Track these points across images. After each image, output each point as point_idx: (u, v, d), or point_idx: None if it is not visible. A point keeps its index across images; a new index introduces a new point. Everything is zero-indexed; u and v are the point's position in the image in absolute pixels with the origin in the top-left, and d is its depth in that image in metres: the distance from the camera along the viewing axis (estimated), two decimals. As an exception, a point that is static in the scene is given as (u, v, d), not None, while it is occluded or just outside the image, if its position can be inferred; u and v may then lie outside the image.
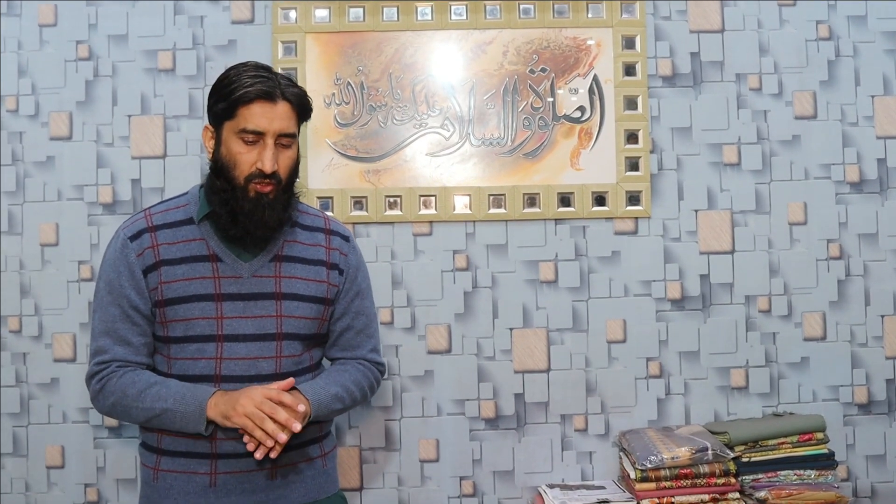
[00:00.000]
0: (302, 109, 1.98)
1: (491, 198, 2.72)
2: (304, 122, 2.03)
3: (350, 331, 2.10)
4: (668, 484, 2.43)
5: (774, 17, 2.79)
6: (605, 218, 2.75)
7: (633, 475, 2.47)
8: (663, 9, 2.78)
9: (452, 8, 2.74)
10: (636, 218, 2.75)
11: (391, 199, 2.71)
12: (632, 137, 2.74)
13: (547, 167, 2.73)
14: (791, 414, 2.66)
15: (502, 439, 2.72)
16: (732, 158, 2.77)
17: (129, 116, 2.70)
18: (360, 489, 2.70)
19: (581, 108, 2.74)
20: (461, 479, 2.71)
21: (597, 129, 2.74)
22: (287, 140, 1.93)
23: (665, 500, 2.42)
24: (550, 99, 2.74)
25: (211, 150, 1.97)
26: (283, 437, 1.80)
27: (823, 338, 2.76)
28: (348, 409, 2.07)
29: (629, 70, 2.75)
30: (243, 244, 1.96)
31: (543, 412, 2.73)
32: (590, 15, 2.75)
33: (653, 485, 2.43)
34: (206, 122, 2.00)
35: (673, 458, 2.42)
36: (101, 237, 2.66)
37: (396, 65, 2.73)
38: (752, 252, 2.76)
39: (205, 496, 1.92)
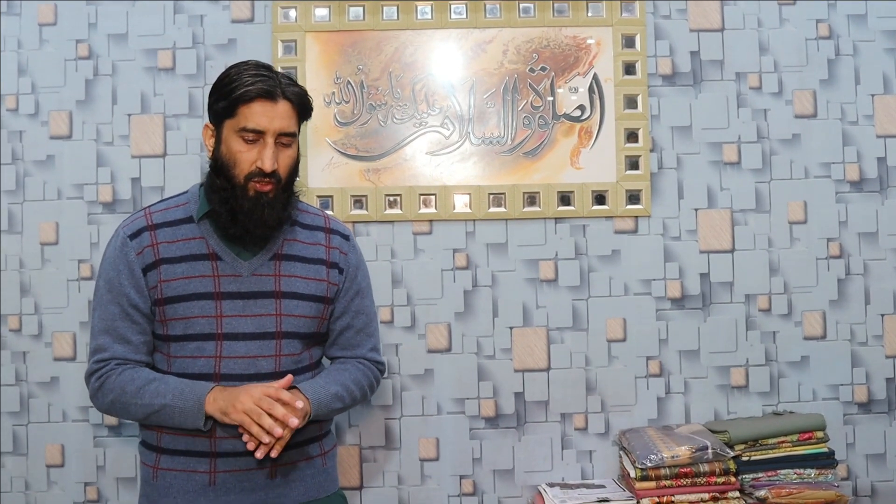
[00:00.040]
0: (302, 109, 1.98)
1: (491, 196, 2.72)
2: (305, 122, 2.03)
3: (350, 330, 2.10)
4: (668, 483, 2.43)
5: (774, 15, 2.79)
6: (605, 217, 2.75)
7: (633, 474, 2.47)
8: (663, 8, 2.78)
9: (452, 7, 2.74)
10: (636, 217, 2.75)
11: (391, 198, 2.71)
12: (632, 136, 2.74)
13: (547, 166, 2.73)
14: (791, 413, 2.66)
15: (502, 438, 2.72)
16: (732, 157, 2.77)
17: (129, 115, 2.70)
18: (360, 488, 2.70)
19: (581, 107, 2.74)
20: (461, 477, 2.71)
21: (597, 127, 2.74)
22: (287, 139, 1.93)
23: (665, 498, 2.42)
24: (550, 98, 2.74)
25: (211, 149, 1.97)
26: (279, 431, 1.79)
27: (823, 337, 2.76)
28: (348, 409, 2.07)
29: (629, 69, 2.75)
30: (243, 243, 1.95)
31: (543, 411, 2.73)
32: (590, 14, 2.75)
33: (653, 484, 2.43)
34: (207, 120, 2.00)
35: (673, 456, 2.42)
36: (101, 236, 2.66)
37: (396, 64, 2.73)
38: (752, 251, 2.76)
39: (204, 495, 1.91)
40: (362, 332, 2.12)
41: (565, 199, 2.73)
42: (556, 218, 2.74)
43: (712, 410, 2.74)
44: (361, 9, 2.72)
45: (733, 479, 2.44)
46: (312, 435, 2.02)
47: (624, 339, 2.74)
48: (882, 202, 2.78)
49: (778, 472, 2.47)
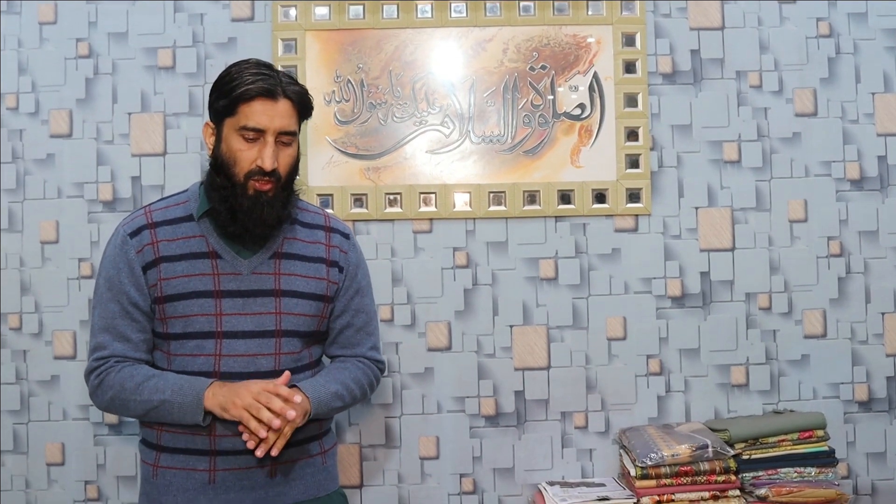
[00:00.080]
0: (303, 107, 1.98)
1: (491, 195, 2.72)
2: (305, 120, 2.03)
3: (350, 328, 2.10)
4: (668, 481, 2.43)
5: (775, 14, 2.79)
6: (606, 215, 2.75)
7: (633, 472, 2.47)
8: (663, 6, 2.78)
9: (452, 5, 2.74)
10: (636, 215, 2.75)
11: (391, 197, 2.71)
12: (632, 135, 2.74)
13: (547, 164, 2.73)
14: (791, 411, 2.66)
15: (502, 436, 2.72)
16: (733, 156, 2.77)
17: (130, 114, 2.71)
18: (361, 486, 2.70)
19: (581, 106, 2.74)
20: (461, 476, 2.71)
21: (597, 126, 2.74)
22: (287, 138, 1.93)
23: (665, 497, 2.42)
24: (550, 96, 2.74)
25: (211, 147, 1.97)
26: (277, 423, 1.79)
27: (824, 335, 2.76)
28: (348, 407, 2.07)
29: (629, 67, 2.75)
30: (242, 241, 1.95)
31: (543, 409, 2.73)
32: (590, 12, 2.75)
33: (653, 482, 2.43)
34: (207, 118, 2.00)
35: (673, 455, 2.42)
36: (101, 235, 2.66)
37: (396, 62, 2.73)
38: (752, 249, 2.76)
39: (204, 493, 1.92)
40: (362, 330, 2.12)
41: (565, 197, 2.73)
42: (556, 216, 2.74)
43: (712, 409, 2.74)
44: (361, 7, 2.72)
45: (733, 477, 2.44)
46: (312, 433, 2.02)
47: (624, 338, 2.74)
48: (882, 201, 2.78)
49: (778, 470, 2.47)
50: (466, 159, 2.73)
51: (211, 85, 1.97)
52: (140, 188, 2.70)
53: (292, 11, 2.72)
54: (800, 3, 2.79)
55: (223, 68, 1.98)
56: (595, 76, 2.75)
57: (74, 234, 2.68)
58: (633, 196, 2.74)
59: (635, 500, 2.44)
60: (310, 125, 2.66)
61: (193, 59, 2.72)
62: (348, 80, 2.72)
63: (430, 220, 2.73)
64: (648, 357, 2.74)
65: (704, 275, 2.75)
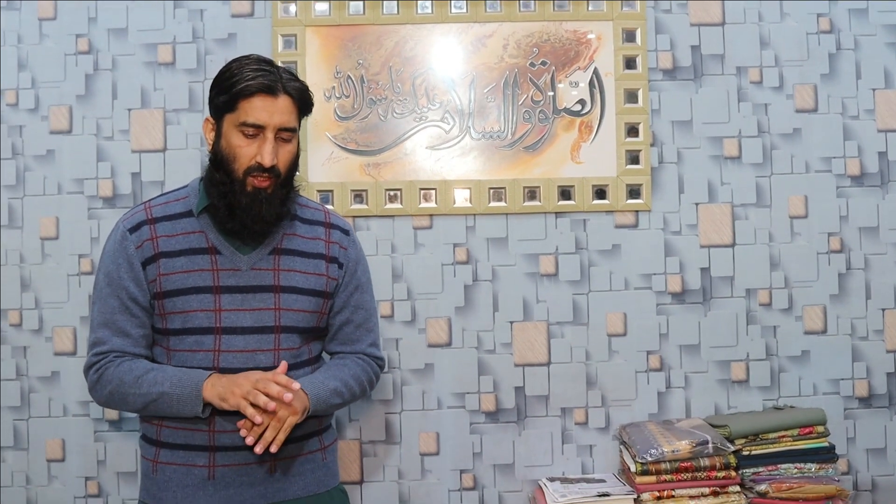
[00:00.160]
0: (303, 104, 1.98)
1: (491, 191, 2.72)
2: (305, 117, 2.03)
3: (349, 325, 2.10)
4: (668, 477, 2.43)
5: (775, 10, 2.78)
6: (606, 211, 2.74)
7: (633, 468, 2.47)
8: (664, 2, 2.77)
9: (452, 2, 2.73)
10: (636, 211, 2.75)
11: (391, 193, 2.71)
12: (632, 131, 2.74)
13: (547, 160, 2.73)
14: (791, 407, 2.66)
15: (503, 432, 2.72)
16: (733, 152, 2.76)
17: (129, 110, 2.70)
18: (361, 482, 2.70)
19: (581, 102, 2.74)
20: (461, 472, 2.71)
21: (597, 122, 2.74)
22: (287, 134, 1.94)
23: (665, 493, 2.42)
24: (551, 92, 2.74)
25: (211, 143, 1.97)
26: (273, 406, 1.79)
27: (824, 331, 2.76)
28: (347, 404, 2.07)
29: (629, 63, 2.75)
30: (242, 237, 1.96)
31: (544, 405, 2.73)
32: (590, 8, 2.75)
33: (653, 478, 2.43)
34: (207, 114, 2.00)
35: (673, 451, 2.42)
36: (102, 231, 2.66)
37: (396, 58, 2.73)
38: (752, 245, 2.76)
39: (203, 489, 1.92)
40: (362, 327, 2.12)
41: (566, 193, 2.73)
42: (556, 212, 2.74)
43: (713, 405, 2.74)
44: (361, 3, 2.72)
45: (734, 473, 2.44)
46: (312, 430, 2.02)
47: (624, 334, 2.74)
48: (883, 197, 2.78)
49: (778, 466, 2.47)
50: (466, 155, 2.72)
51: (211, 81, 1.98)
52: (140, 184, 2.70)
53: (292, 7, 2.71)
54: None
55: (223, 64, 1.98)
56: (595, 72, 2.75)
57: (74, 230, 2.68)
58: (634, 192, 2.74)
59: (635, 496, 2.44)
60: (310, 121, 2.65)
61: (193, 54, 2.71)
62: (348, 75, 2.72)
63: (431, 216, 2.73)
64: (649, 353, 2.74)
65: (705, 271, 2.75)
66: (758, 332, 2.75)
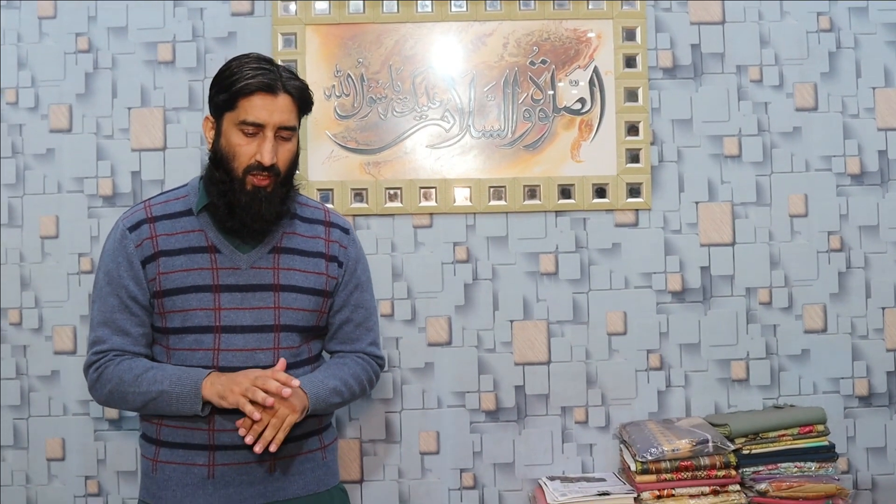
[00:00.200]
0: (303, 103, 1.98)
1: (491, 190, 2.72)
2: (305, 115, 2.03)
3: (349, 323, 2.10)
4: (668, 476, 2.43)
5: (775, 8, 2.78)
6: (606, 210, 2.74)
7: (633, 467, 2.47)
8: (664, 1, 2.77)
9: (452, 0, 2.73)
10: (637, 210, 2.75)
11: (391, 192, 2.71)
12: (632, 129, 2.73)
13: (547, 159, 2.73)
14: (791, 406, 2.66)
15: (503, 431, 2.72)
16: (733, 150, 2.76)
17: (129, 109, 2.70)
18: (361, 481, 2.70)
19: (581, 100, 2.74)
20: (461, 471, 2.71)
21: (597, 120, 2.74)
22: (287, 133, 1.93)
23: (665, 492, 2.42)
24: (551, 91, 2.74)
25: (211, 141, 1.97)
26: (271, 401, 1.79)
27: (824, 330, 2.76)
28: (347, 403, 2.07)
29: (630, 62, 2.75)
30: (241, 236, 1.95)
31: (544, 404, 2.73)
32: (590, 7, 2.75)
33: (653, 477, 2.43)
34: (207, 112, 2.00)
35: (673, 450, 2.42)
36: (101, 229, 2.66)
37: (396, 57, 2.72)
38: (752, 244, 2.76)
39: (203, 488, 1.92)
40: (361, 326, 2.12)
41: (566, 192, 2.73)
42: (556, 211, 2.74)
43: (713, 404, 2.74)
44: (361, 2, 2.72)
45: (734, 472, 2.44)
46: (312, 429, 2.02)
47: (624, 333, 2.74)
48: (883, 195, 2.78)
49: (778, 465, 2.47)
50: (467, 154, 2.72)
51: (211, 79, 1.97)
52: (140, 183, 2.69)
53: (292, 6, 2.71)
54: (800, -2, 2.79)
55: (223, 63, 1.97)
56: (595, 71, 2.74)
57: (74, 229, 2.68)
58: (634, 191, 2.73)
59: (636, 495, 2.44)
60: (310, 120, 2.65)
61: (193, 53, 2.71)
62: (348, 74, 2.71)
63: (431, 214, 2.73)
64: (649, 352, 2.74)
65: (705, 269, 2.75)
66: (758, 331, 2.75)
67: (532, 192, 2.72)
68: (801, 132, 2.77)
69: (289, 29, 2.71)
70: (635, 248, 2.74)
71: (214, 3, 2.72)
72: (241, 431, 1.83)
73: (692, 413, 2.73)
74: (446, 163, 2.72)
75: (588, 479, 2.59)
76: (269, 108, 1.90)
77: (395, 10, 2.72)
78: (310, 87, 2.00)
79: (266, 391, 1.80)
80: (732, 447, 2.45)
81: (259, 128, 1.90)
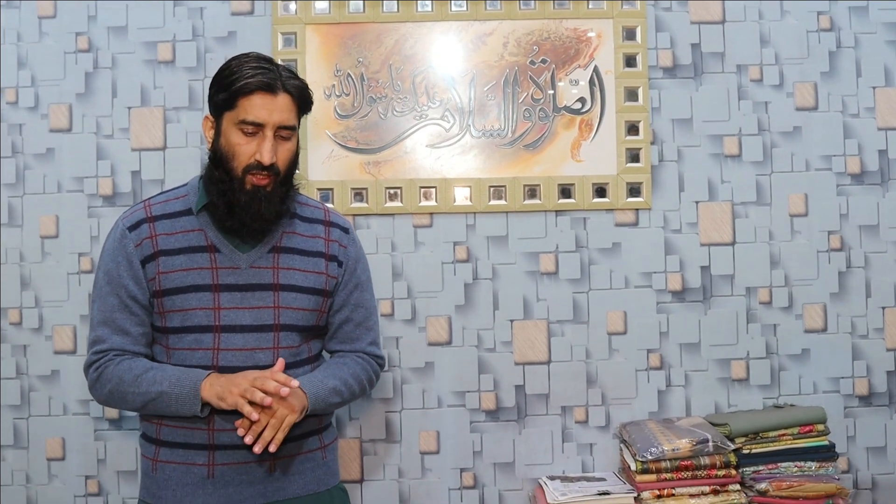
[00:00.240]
0: (302, 102, 1.98)
1: (491, 189, 2.72)
2: (305, 115, 2.02)
3: (349, 323, 2.10)
4: (668, 476, 2.43)
5: (775, 8, 2.78)
6: (606, 209, 2.74)
7: (633, 467, 2.47)
8: (664, 0, 2.77)
9: (452, 0, 2.73)
10: (637, 209, 2.75)
11: (391, 191, 2.71)
12: (632, 129, 2.73)
13: (547, 159, 2.73)
14: (792, 406, 2.66)
15: (503, 431, 2.72)
16: (733, 150, 2.76)
17: (129, 108, 2.70)
18: (361, 481, 2.70)
19: (581, 100, 2.74)
20: (462, 470, 2.71)
21: (597, 120, 2.74)
22: (286, 132, 1.93)
23: (665, 491, 2.42)
24: (551, 90, 2.74)
25: (210, 140, 1.97)
26: (269, 401, 1.79)
27: (824, 329, 2.76)
28: (347, 403, 2.07)
29: (630, 61, 2.74)
30: (241, 235, 1.95)
31: (544, 404, 2.73)
32: (590, 6, 2.75)
33: (653, 476, 2.43)
34: (207, 112, 2.00)
35: (673, 449, 2.41)
36: (101, 229, 2.66)
37: (396, 56, 2.72)
38: (752, 244, 2.76)
39: (203, 487, 1.92)
40: (361, 325, 2.12)
41: (566, 191, 2.72)
42: (556, 211, 2.73)
43: (713, 403, 2.74)
44: (361, 2, 2.72)
45: (734, 471, 2.44)
46: (312, 428, 2.02)
47: (624, 332, 2.74)
48: (883, 195, 2.78)
49: (778, 464, 2.47)
50: (467, 153, 2.72)
51: (211, 79, 1.97)
52: (140, 182, 2.69)
53: (292, 5, 2.71)
54: (801, -3, 2.79)
55: (223, 62, 1.97)
56: (595, 70, 2.74)
57: (74, 228, 2.68)
58: (634, 190, 2.73)
59: (636, 495, 2.44)
60: (310, 119, 2.65)
61: (193, 53, 2.71)
62: (348, 74, 2.71)
63: (431, 214, 2.73)
64: (649, 351, 2.74)
65: (705, 269, 2.75)
66: (758, 331, 2.75)
67: (532, 192, 2.72)
68: (801, 132, 2.77)
69: (289, 28, 2.70)
70: (635, 247, 2.74)
71: (214, 3, 2.72)
72: (240, 431, 1.83)
73: (692, 413, 2.73)
74: (446, 162, 2.72)
75: (588, 479, 2.59)
76: (268, 108, 1.90)
77: (395, 10, 2.72)
78: (309, 87, 2.00)
79: (264, 391, 1.80)
80: (732, 447, 2.45)
81: (258, 127, 1.90)
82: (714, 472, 2.43)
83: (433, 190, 2.71)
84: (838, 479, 2.47)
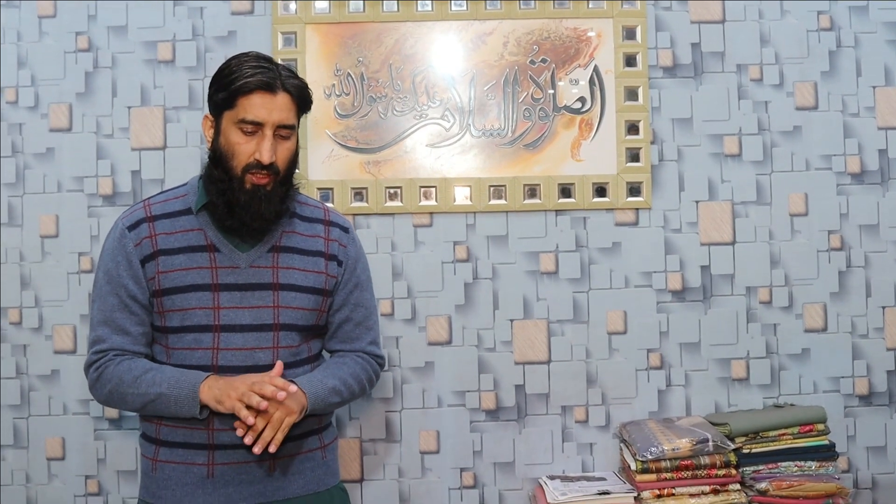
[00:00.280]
0: (302, 101, 1.98)
1: (491, 189, 2.71)
2: (304, 114, 2.02)
3: (349, 323, 2.09)
4: (668, 475, 2.43)
5: (775, 7, 2.78)
6: (606, 209, 2.74)
7: (633, 466, 2.47)
8: (664, 0, 2.77)
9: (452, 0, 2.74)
10: (637, 209, 2.75)
11: (391, 191, 2.71)
12: (632, 128, 2.73)
13: (547, 158, 2.73)
14: (792, 405, 2.66)
15: (503, 431, 2.72)
16: (733, 149, 2.76)
17: (129, 108, 2.70)
18: (361, 481, 2.70)
19: (581, 99, 2.74)
20: (462, 470, 2.71)
21: (597, 119, 2.74)
22: (286, 132, 1.93)
23: (665, 491, 2.42)
24: (551, 90, 2.74)
25: (210, 140, 1.97)
26: (265, 405, 1.79)
27: (824, 329, 2.76)
28: (346, 403, 2.06)
29: (630, 61, 2.74)
30: (241, 234, 1.95)
31: (544, 403, 2.73)
32: (590, 6, 2.75)
33: (653, 476, 2.43)
34: (207, 111, 1.99)
35: (673, 449, 2.41)
36: (101, 229, 2.66)
37: (397, 56, 2.72)
38: (752, 243, 2.76)
39: (202, 487, 1.91)
40: (361, 325, 2.11)
41: (566, 191, 2.72)
42: (556, 210, 2.73)
43: (713, 403, 2.74)
44: (362, 1, 2.72)
45: (734, 471, 2.44)
46: (311, 428, 2.02)
47: (624, 332, 2.74)
48: (883, 194, 2.78)
49: (779, 464, 2.47)
50: (467, 153, 2.72)
51: (211, 78, 1.97)
52: (140, 182, 2.69)
53: (292, 5, 2.71)
54: (801, -3, 2.79)
55: (223, 62, 1.97)
56: (595, 70, 2.74)
57: (74, 228, 2.68)
58: (634, 190, 2.73)
59: (636, 494, 2.44)
60: (310, 119, 2.65)
61: (193, 52, 2.71)
62: (348, 73, 2.71)
63: (431, 213, 2.73)
64: (649, 351, 2.74)
65: (705, 269, 2.75)
66: (758, 330, 2.75)
67: (532, 192, 2.72)
68: (801, 131, 2.77)
69: (289, 28, 2.70)
70: (635, 247, 2.74)
71: (214, 2, 2.72)
72: (239, 432, 1.83)
73: (692, 412, 2.73)
74: (446, 162, 2.72)
75: (588, 479, 2.59)
76: (268, 107, 1.89)
77: (396, 9, 2.72)
78: (309, 86, 1.99)
79: (262, 396, 1.80)
80: (733, 446, 2.45)
81: (258, 126, 1.89)
82: (714, 471, 2.43)
83: (433, 189, 2.71)
84: (838, 479, 2.47)
